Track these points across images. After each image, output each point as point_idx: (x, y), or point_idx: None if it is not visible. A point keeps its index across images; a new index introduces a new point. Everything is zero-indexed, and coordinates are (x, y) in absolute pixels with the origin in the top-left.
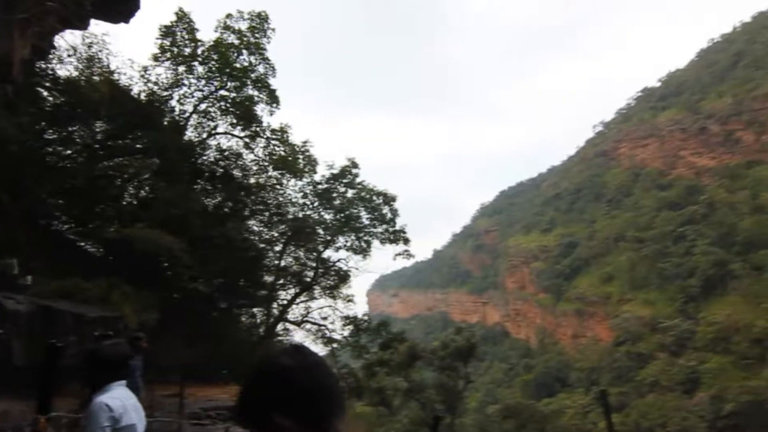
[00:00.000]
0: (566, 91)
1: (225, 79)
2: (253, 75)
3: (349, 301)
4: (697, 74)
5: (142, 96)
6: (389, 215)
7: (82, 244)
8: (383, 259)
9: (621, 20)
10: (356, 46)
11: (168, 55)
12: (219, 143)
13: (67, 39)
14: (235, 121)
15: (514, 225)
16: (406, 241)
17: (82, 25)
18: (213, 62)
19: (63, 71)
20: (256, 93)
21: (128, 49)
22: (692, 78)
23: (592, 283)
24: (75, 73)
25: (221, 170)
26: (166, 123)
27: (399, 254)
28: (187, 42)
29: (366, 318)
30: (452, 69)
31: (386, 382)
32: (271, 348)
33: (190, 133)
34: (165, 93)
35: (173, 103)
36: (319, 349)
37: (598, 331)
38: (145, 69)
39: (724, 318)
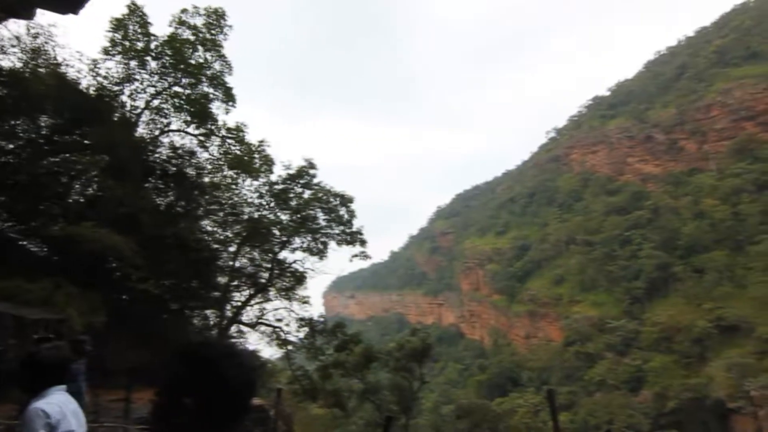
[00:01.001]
0: (522, 97)
1: (179, 76)
2: (208, 72)
3: (305, 302)
4: (643, 85)
5: (91, 90)
6: (346, 216)
7: (26, 243)
8: (340, 261)
9: (575, 31)
10: (322, 49)
11: (119, 49)
12: (172, 141)
13: (10, 28)
14: (189, 118)
15: (469, 228)
16: (363, 242)
17: (27, 15)
18: (167, 58)
19: (6, 62)
20: (211, 90)
21: (77, 42)
22: (639, 88)
23: (543, 284)
24: (19, 65)
25: (174, 168)
26: (116, 119)
27: (356, 255)
28: (139, 36)
29: (322, 320)
30: (413, 74)
31: (341, 384)
32: (217, 341)
33: (141, 130)
34: (116, 88)
35: (124, 98)
36: (274, 351)
37: (549, 331)
38: (95, 62)
39: (667, 319)
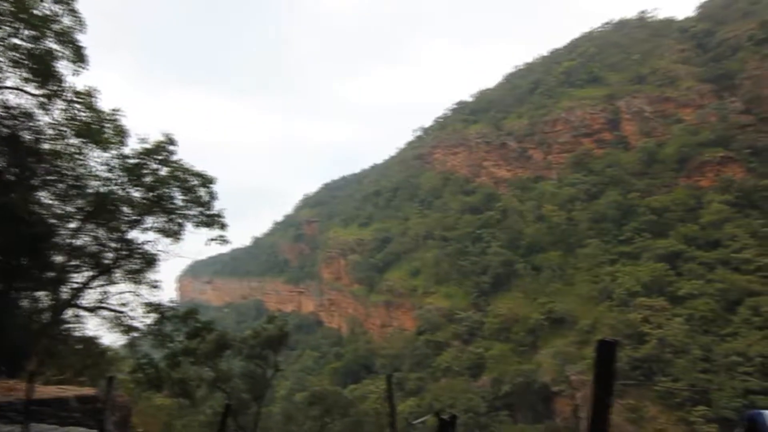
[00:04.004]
0: (393, 94)
1: (19, 26)
2: (56, 27)
3: (155, 287)
4: (502, 95)
5: None
6: (206, 198)
7: None
8: (197, 244)
9: (446, 37)
10: (193, 22)
11: None
12: (6, 99)
13: None
14: (29, 75)
15: (334, 218)
16: (223, 226)
17: None
18: (5, 4)
19: None
20: (58, 48)
21: None
22: (498, 98)
23: (401, 276)
24: None
25: (7, 131)
26: None
27: (213, 239)
28: None
29: (173, 305)
30: (291, 59)
31: (191, 373)
32: None
33: None
34: None
35: None
36: (117, 338)
37: (403, 321)
38: None
39: (507, 311)
